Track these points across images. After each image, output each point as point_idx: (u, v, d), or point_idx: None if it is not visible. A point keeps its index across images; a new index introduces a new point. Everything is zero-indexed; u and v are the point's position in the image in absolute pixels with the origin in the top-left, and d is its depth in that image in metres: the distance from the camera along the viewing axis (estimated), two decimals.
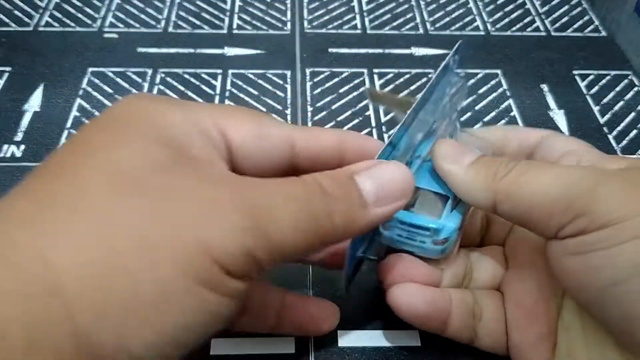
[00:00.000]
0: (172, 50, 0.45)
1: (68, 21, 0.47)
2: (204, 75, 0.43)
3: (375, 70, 0.44)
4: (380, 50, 0.46)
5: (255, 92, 0.42)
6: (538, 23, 0.49)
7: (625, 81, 0.43)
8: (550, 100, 0.42)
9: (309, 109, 0.40)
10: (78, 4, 0.49)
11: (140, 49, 0.45)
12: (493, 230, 0.28)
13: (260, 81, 0.42)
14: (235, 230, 0.17)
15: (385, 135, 0.39)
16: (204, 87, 0.42)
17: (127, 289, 0.16)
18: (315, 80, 0.43)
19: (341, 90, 0.42)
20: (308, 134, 0.23)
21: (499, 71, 0.44)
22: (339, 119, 0.40)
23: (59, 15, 0.48)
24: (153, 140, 0.18)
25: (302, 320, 0.26)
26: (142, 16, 0.48)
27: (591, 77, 0.44)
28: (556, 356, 0.23)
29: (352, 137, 0.24)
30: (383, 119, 0.40)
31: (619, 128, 0.40)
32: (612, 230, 0.19)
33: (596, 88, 0.43)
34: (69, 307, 0.15)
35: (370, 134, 0.39)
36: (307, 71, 0.43)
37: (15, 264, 0.15)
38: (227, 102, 0.41)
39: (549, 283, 0.24)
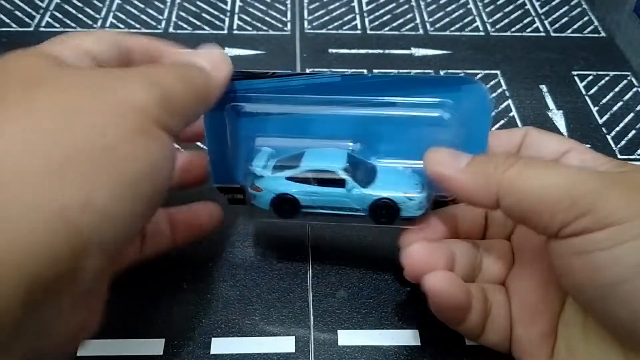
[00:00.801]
0: None
1: (69, 21, 0.47)
2: None
3: (375, 71, 0.44)
4: (380, 51, 0.46)
5: None
6: (537, 24, 0.49)
7: (625, 82, 0.43)
8: (549, 100, 0.42)
9: None
10: (79, 4, 0.49)
11: None
12: (496, 224, 0.28)
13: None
14: (149, 88, 0.20)
15: None
16: None
17: (74, 144, 0.17)
18: None
19: None
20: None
21: (498, 72, 0.44)
22: None
23: (60, 16, 0.48)
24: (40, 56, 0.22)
25: (190, 221, 0.29)
26: (143, 17, 0.48)
27: (590, 77, 0.44)
28: (555, 352, 0.24)
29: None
30: None
31: (617, 128, 0.40)
32: (616, 230, 0.19)
33: (595, 88, 0.43)
34: (23, 177, 0.16)
35: None
36: (307, 71, 0.44)
37: None
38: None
39: (553, 281, 0.24)
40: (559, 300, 0.24)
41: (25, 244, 0.16)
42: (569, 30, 0.48)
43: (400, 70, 0.44)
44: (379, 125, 0.26)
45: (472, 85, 0.24)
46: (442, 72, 0.44)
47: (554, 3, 0.51)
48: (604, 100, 0.42)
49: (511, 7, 0.51)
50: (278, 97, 0.26)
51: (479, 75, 0.44)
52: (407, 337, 0.28)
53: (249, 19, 0.49)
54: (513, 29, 0.48)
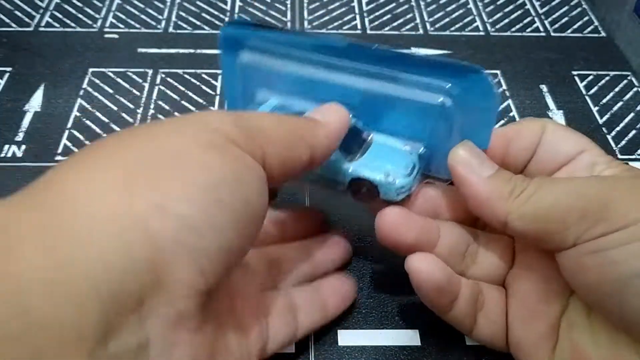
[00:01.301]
0: (173, 51, 0.45)
1: (69, 21, 0.47)
2: (204, 76, 0.43)
3: None
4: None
5: None
6: (538, 23, 0.49)
7: (625, 82, 0.43)
8: (550, 100, 0.42)
9: None
10: (78, 4, 0.49)
11: (141, 49, 0.45)
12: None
13: None
14: (228, 114, 0.20)
15: None
16: (204, 87, 0.42)
17: (145, 162, 0.17)
18: None
19: None
20: None
21: (498, 71, 0.44)
22: None
23: (60, 16, 0.48)
24: None
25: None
26: (143, 16, 0.48)
27: (590, 77, 0.44)
28: (556, 355, 0.24)
29: None
30: None
31: (617, 128, 0.40)
32: (629, 230, 0.20)
33: (595, 88, 0.43)
34: (93, 189, 0.17)
35: None
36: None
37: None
38: (227, 102, 0.41)
39: (555, 283, 0.24)
40: (560, 302, 0.24)
41: (100, 255, 0.15)
42: (569, 30, 0.48)
43: None
44: (379, 100, 0.26)
45: (479, 76, 0.24)
46: None
47: (554, 3, 0.51)
48: (604, 100, 0.42)
49: (511, 7, 0.51)
50: (285, 52, 0.26)
51: None
52: (407, 337, 0.28)
53: (249, 18, 0.49)
54: (513, 29, 0.48)
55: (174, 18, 0.48)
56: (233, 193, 0.18)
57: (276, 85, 0.27)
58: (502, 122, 0.40)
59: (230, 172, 0.18)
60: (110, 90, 0.41)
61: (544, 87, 0.43)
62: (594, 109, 0.41)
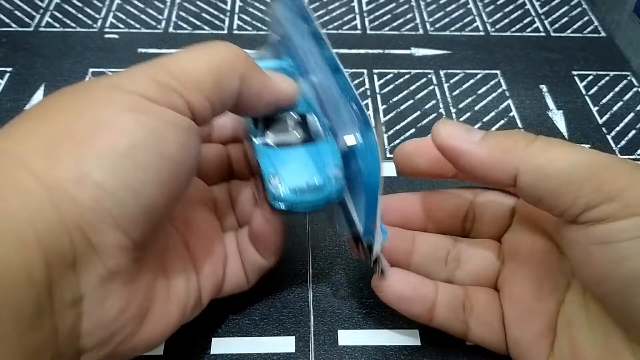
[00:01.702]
0: (173, 51, 0.45)
1: (69, 21, 0.47)
2: None
3: (375, 71, 0.44)
4: (380, 51, 0.46)
5: None
6: (537, 24, 0.49)
7: (625, 82, 0.43)
8: (549, 100, 0.42)
9: None
10: (79, 4, 0.49)
11: (141, 50, 0.45)
12: (483, 223, 0.27)
13: None
14: (140, 69, 0.21)
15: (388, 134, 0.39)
16: None
17: (65, 133, 0.18)
18: None
19: None
20: None
21: (498, 71, 0.44)
22: None
23: (60, 16, 0.48)
24: None
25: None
26: (143, 17, 0.48)
27: (590, 77, 0.44)
28: (555, 352, 0.23)
29: None
30: (383, 119, 0.40)
31: (617, 128, 0.40)
32: None
33: (595, 88, 0.43)
34: (22, 161, 0.18)
35: None
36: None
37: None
38: None
39: (549, 279, 0.24)
40: (555, 299, 0.24)
41: (38, 211, 0.17)
42: (569, 30, 0.48)
43: (400, 70, 0.44)
44: (327, 100, 0.25)
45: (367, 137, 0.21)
46: (442, 72, 0.44)
47: (554, 3, 0.51)
48: (604, 100, 0.42)
49: (511, 7, 0.51)
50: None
51: (479, 75, 0.44)
52: (407, 337, 0.28)
53: (249, 18, 0.49)
54: (513, 29, 0.48)
55: (174, 18, 0.48)
56: (150, 153, 0.19)
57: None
58: (502, 122, 0.40)
59: (146, 133, 0.19)
60: None
61: (543, 87, 0.43)
62: (594, 109, 0.41)
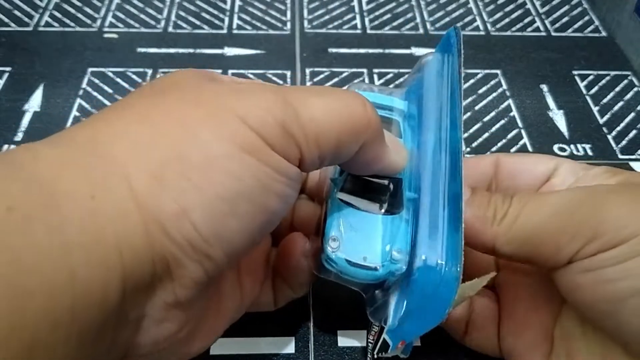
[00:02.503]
0: (172, 51, 0.45)
1: (68, 21, 0.47)
2: None
3: (375, 70, 0.44)
4: (380, 50, 0.46)
5: None
6: (538, 23, 0.49)
7: (625, 81, 0.43)
8: (550, 100, 0.42)
9: None
10: (78, 3, 0.49)
11: (140, 49, 0.45)
12: None
13: (260, 81, 0.42)
14: (269, 103, 0.18)
15: None
16: None
17: (175, 156, 0.17)
18: (315, 80, 0.43)
19: None
20: None
21: (498, 71, 0.44)
22: None
23: (59, 15, 0.48)
24: None
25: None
26: (142, 16, 0.48)
27: (591, 77, 0.44)
28: None
29: None
30: None
31: (618, 128, 0.40)
32: (626, 247, 0.19)
33: (596, 88, 0.43)
34: (126, 176, 0.16)
35: None
36: (307, 71, 0.43)
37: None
38: None
39: (544, 290, 0.24)
40: (551, 310, 0.24)
41: (125, 237, 0.16)
42: (570, 30, 0.48)
43: (401, 70, 0.44)
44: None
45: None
46: None
47: (554, 2, 0.51)
48: (605, 100, 0.42)
49: (511, 6, 0.51)
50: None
51: (479, 75, 0.44)
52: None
53: (248, 18, 0.49)
54: (513, 29, 0.48)
55: (173, 18, 0.48)
56: (253, 203, 0.18)
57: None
58: (502, 121, 0.40)
59: (254, 182, 0.18)
60: (110, 90, 0.41)
61: (544, 87, 0.43)
62: (595, 109, 0.41)
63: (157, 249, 0.17)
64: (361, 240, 0.22)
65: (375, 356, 0.22)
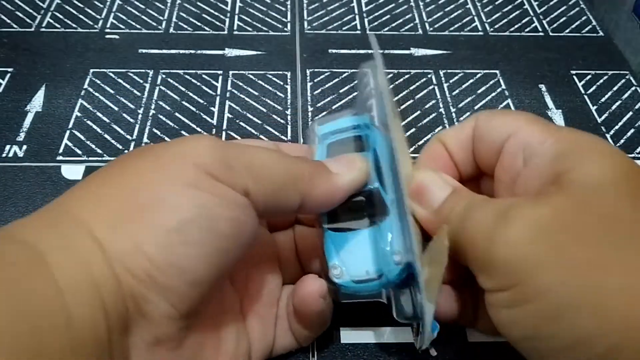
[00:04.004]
0: (173, 51, 0.45)
1: (70, 22, 0.48)
2: (204, 76, 0.43)
3: None
4: (379, 51, 0.46)
5: (256, 93, 0.42)
6: (536, 23, 0.49)
7: (623, 81, 0.44)
8: (549, 99, 0.42)
9: (309, 109, 0.41)
10: (79, 5, 0.49)
11: (142, 50, 0.45)
12: None
13: (260, 82, 0.43)
14: (212, 145, 0.21)
15: None
16: (204, 88, 0.42)
17: (128, 204, 0.20)
18: (316, 80, 0.43)
19: (341, 91, 0.42)
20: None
21: (497, 71, 0.44)
22: None
23: (61, 16, 0.48)
24: None
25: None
26: (144, 17, 0.48)
27: (589, 77, 0.44)
28: None
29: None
30: None
31: (616, 127, 0.40)
32: (510, 294, 0.19)
33: (594, 88, 0.43)
34: (89, 230, 0.19)
35: None
36: (307, 72, 0.44)
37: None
38: (228, 102, 0.41)
39: None
40: None
41: (100, 277, 0.18)
42: (568, 30, 0.49)
43: (400, 70, 0.44)
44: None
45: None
46: (441, 72, 0.44)
47: (552, 3, 0.52)
48: (603, 99, 0.42)
49: (510, 7, 0.51)
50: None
51: (478, 75, 0.44)
52: (409, 335, 0.28)
53: (249, 19, 0.49)
54: (512, 29, 0.49)
55: (174, 19, 0.48)
56: (202, 229, 0.20)
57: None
58: None
59: (198, 210, 0.20)
60: (111, 91, 0.41)
61: (542, 87, 0.43)
62: (593, 108, 0.41)
63: (125, 288, 0.18)
64: (359, 258, 0.24)
65: (424, 347, 0.24)
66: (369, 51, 0.46)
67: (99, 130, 0.39)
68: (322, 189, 0.23)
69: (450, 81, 0.43)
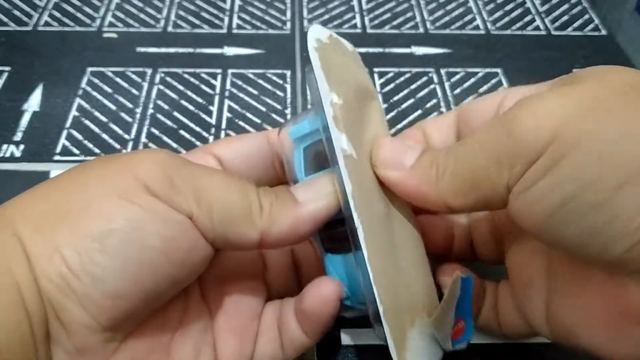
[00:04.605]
0: (172, 50, 0.45)
1: (67, 21, 0.47)
2: (203, 75, 0.43)
3: (376, 70, 0.44)
4: (380, 50, 0.46)
5: (255, 92, 0.41)
6: (538, 22, 0.49)
7: None
8: None
9: (309, 108, 0.40)
10: (77, 3, 0.49)
11: (140, 49, 0.45)
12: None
13: (260, 81, 0.42)
14: (161, 160, 0.20)
15: None
16: (203, 86, 0.42)
17: (57, 207, 0.19)
18: None
19: None
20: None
21: (499, 70, 0.44)
22: None
23: (58, 15, 0.48)
24: None
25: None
26: (142, 15, 0.48)
27: None
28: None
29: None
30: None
31: None
32: (544, 159, 0.18)
33: None
34: (14, 231, 0.19)
35: None
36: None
37: None
38: (227, 101, 0.41)
39: (537, 242, 0.23)
40: (543, 264, 0.23)
41: (21, 286, 0.18)
42: (570, 29, 0.48)
43: (401, 69, 0.44)
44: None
45: None
46: (442, 71, 0.44)
47: (554, 1, 0.51)
48: None
49: (511, 5, 0.51)
50: None
51: (479, 74, 0.43)
52: None
53: (248, 17, 0.48)
54: (514, 27, 0.48)
55: (173, 17, 0.48)
56: (126, 242, 0.19)
57: None
58: None
59: (125, 222, 0.19)
60: (109, 90, 0.41)
61: None
62: None
63: (44, 292, 0.18)
64: (357, 280, 0.22)
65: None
66: (370, 50, 0.45)
67: (96, 129, 0.38)
68: (283, 225, 0.21)
69: (452, 80, 0.43)
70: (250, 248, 0.21)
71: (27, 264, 0.18)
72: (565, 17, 0.49)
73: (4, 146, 0.37)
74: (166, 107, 0.40)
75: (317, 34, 0.23)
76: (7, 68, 0.42)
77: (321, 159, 0.23)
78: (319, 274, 0.24)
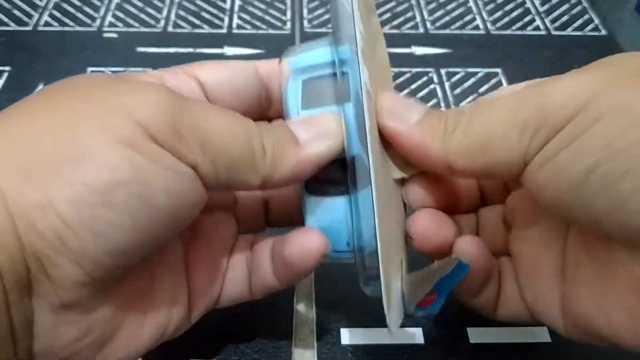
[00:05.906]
0: (172, 50, 0.45)
1: (67, 20, 0.47)
2: None
3: None
4: None
5: None
6: (538, 22, 0.49)
7: None
8: None
9: None
10: (77, 3, 0.49)
11: (140, 49, 0.45)
12: (489, 193, 0.26)
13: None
14: (164, 104, 0.18)
15: None
16: None
17: (47, 151, 0.17)
18: None
19: None
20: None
21: (499, 70, 0.44)
22: None
23: (59, 15, 0.48)
24: None
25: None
26: (142, 15, 0.48)
27: None
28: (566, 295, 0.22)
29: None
30: None
31: None
32: (575, 123, 0.18)
33: None
34: None
35: None
36: None
37: None
38: None
39: (549, 232, 0.22)
40: (558, 249, 0.22)
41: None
42: (570, 29, 0.48)
43: (401, 69, 0.44)
44: None
45: None
46: (442, 71, 0.44)
47: (554, 1, 0.51)
48: None
49: (511, 5, 0.51)
50: None
51: (479, 74, 0.43)
52: (410, 336, 0.27)
53: (248, 17, 0.48)
54: (514, 27, 0.48)
55: (173, 17, 0.48)
56: (131, 195, 0.17)
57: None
58: None
59: (131, 173, 0.17)
60: None
61: None
62: None
63: (29, 247, 0.16)
64: (338, 226, 0.22)
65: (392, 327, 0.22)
66: None
67: None
68: (286, 169, 0.20)
69: (452, 80, 0.43)
70: (248, 190, 0.21)
71: (7, 216, 0.16)
72: (565, 17, 0.50)
73: None
74: None
75: None
76: (7, 68, 0.42)
77: (323, 95, 0.22)
78: (287, 211, 0.23)
